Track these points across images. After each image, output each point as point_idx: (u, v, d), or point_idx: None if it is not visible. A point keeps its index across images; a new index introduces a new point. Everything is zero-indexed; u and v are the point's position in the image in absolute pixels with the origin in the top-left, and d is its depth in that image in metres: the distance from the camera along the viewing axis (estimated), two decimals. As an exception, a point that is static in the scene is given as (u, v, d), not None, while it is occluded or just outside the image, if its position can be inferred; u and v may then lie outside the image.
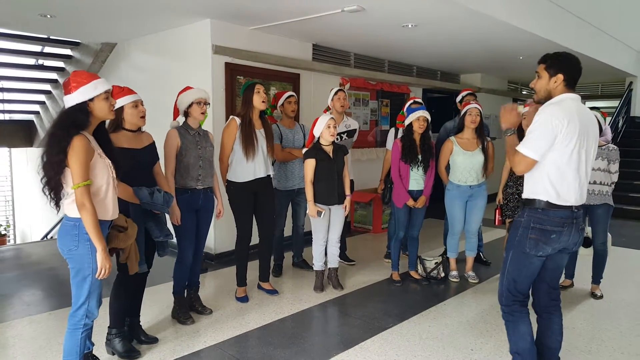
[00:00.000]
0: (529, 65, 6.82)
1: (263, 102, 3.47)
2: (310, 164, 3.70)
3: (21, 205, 9.69)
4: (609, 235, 3.90)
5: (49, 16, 4.41)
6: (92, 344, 2.46)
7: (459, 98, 4.73)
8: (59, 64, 6.60)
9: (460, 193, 4.07)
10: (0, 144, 7.69)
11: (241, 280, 3.72)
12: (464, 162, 4.01)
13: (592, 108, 3.01)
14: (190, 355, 2.85)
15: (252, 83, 3.52)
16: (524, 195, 2.31)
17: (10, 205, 10.16)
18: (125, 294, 2.82)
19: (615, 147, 3.75)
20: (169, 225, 2.97)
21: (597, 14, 6.53)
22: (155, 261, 2.98)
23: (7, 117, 7.87)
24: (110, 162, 2.28)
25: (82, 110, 2.17)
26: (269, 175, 3.67)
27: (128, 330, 2.90)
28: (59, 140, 2.09)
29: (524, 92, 10.35)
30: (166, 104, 3.74)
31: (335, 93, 4.31)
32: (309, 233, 4.06)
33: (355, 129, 4.52)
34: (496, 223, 4.15)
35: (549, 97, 2.26)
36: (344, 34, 5.09)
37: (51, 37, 5.84)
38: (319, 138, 3.76)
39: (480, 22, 4.54)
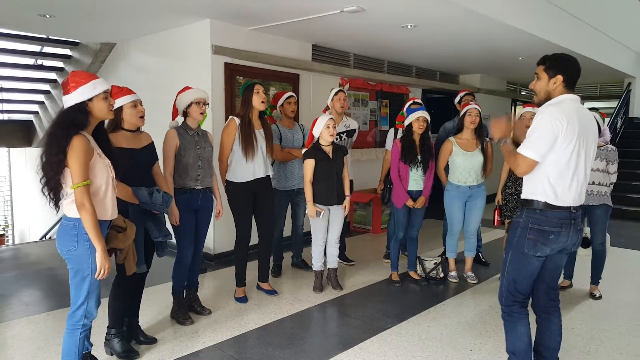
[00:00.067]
0: (528, 66, 6.83)
1: (262, 102, 3.47)
2: (310, 164, 3.70)
3: (20, 205, 9.68)
4: (608, 236, 3.91)
5: (48, 16, 4.40)
6: (91, 345, 2.46)
7: (457, 99, 4.74)
8: (58, 64, 6.59)
9: (460, 193, 4.08)
10: (-1, 144, 7.69)
11: (240, 281, 3.72)
12: (463, 163, 4.01)
13: (590, 109, 3.01)
14: (189, 356, 2.85)
15: (251, 83, 3.52)
16: (523, 196, 2.32)
17: (8, 205, 10.16)
18: (124, 294, 2.82)
19: (614, 147, 3.76)
20: (168, 226, 2.97)
21: (596, 15, 6.55)
22: (154, 261, 2.98)
23: (6, 117, 7.85)
24: (109, 162, 2.27)
25: (81, 110, 2.16)
26: (269, 176, 3.66)
27: (127, 330, 2.90)
28: (58, 140, 2.09)
29: (522, 93, 10.37)
30: (165, 104, 3.74)
31: (336, 93, 4.30)
32: (309, 233, 4.06)
33: (355, 129, 4.52)
34: (495, 223, 4.16)
35: (548, 98, 2.26)
36: (343, 34, 5.09)
37: (50, 37, 5.83)
38: (318, 138, 3.76)
39: (479, 23, 4.54)
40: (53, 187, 2.12)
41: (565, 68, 2.22)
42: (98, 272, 2.17)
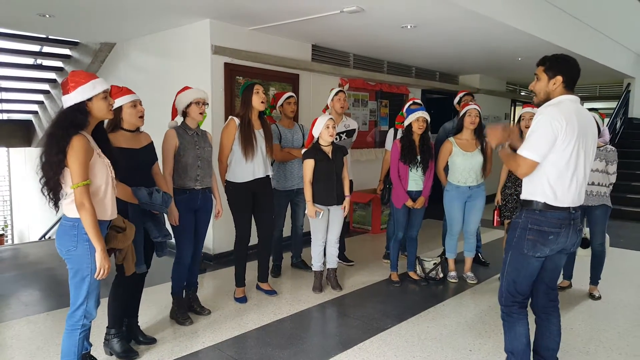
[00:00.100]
0: (527, 67, 6.84)
1: (262, 102, 3.47)
2: (309, 164, 3.70)
3: (19, 205, 9.68)
4: (607, 236, 3.91)
5: (47, 16, 4.40)
6: (90, 345, 2.46)
7: (456, 99, 4.74)
8: (58, 63, 6.59)
9: (459, 194, 4.08)
10: (-2, 144, 7.69)
11: (240, 281, 3.72)
12: (463, 163, 4.01)
13: (590, 109, 3.01)
14: (188, 356, 2.85)
15: (251, 83, 3.52)
16: (522, 197, 2.32)
17: (8, 205, 10.16)
18: (124, 295, 2.82)
19: (613, 148, 3.76)
20: (168, 226, 2.97)
21: (595, 16, 6.56)
22: (153, 262, 2.97)
23: (5, 116, 7.84)
24: (109, 162, 2.27)
25: (81, 110, 2.16)
26: (268, 176, 3.66)
27: (126, 330, 2.90)
28: (57, 140, 2.08)
29: (522, 93, 10.38)
30: (165, 104, 3.73)
31: (336, 94, 4.30)
32: (308, 233, 4.05)
33: (355, 129, 4.52)
34: (495, 224, 4.16)
35: (548, 98, 2.27)
36: (343, 34, 5.09)
37: (50, 37, 5.83)
38: (318, 138, 3.76)
39: (479, 24, 4.54)
40: (53, 187, 2.12)
41: (565, 69, 2.23)
42: (97, 272, 2.17)
